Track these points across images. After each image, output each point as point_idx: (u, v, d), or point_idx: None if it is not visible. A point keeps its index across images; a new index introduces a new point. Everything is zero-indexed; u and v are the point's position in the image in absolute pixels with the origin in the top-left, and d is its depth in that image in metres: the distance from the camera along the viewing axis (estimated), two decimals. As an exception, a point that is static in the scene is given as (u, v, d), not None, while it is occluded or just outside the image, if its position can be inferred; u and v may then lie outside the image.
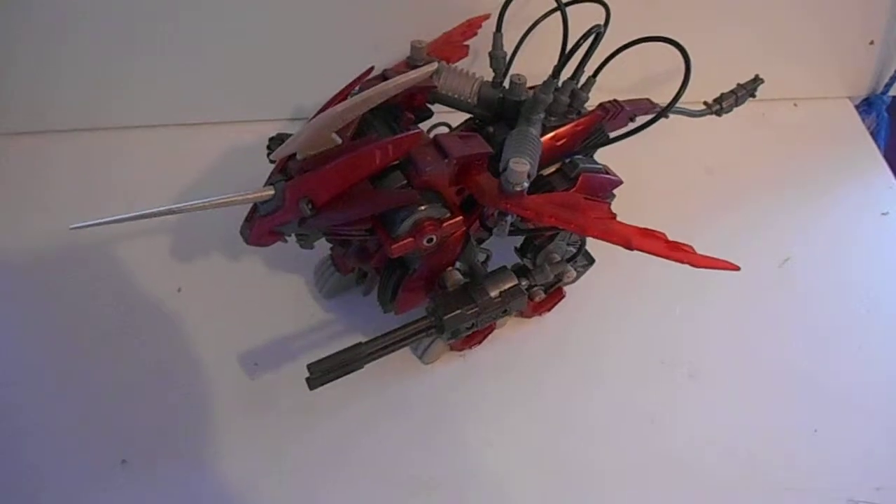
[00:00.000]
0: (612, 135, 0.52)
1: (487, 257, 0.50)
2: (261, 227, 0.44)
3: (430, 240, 0.43)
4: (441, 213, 0.43)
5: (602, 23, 0.48)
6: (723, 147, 0.72)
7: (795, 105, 0.78)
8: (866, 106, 0.77)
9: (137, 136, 0.71)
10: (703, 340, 0.58)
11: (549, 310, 0.57)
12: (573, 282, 0.56)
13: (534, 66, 0.52)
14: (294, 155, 0.43)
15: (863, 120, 0.76)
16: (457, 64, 0.53)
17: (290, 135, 0.50)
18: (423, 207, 0.42)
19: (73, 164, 0.68)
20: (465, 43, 0.57)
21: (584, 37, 0.45)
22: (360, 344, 0.44)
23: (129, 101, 0.70)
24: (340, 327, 0.57)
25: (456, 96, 0.51)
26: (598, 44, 0.46)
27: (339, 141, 0.43)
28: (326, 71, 0.65)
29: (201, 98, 0.71)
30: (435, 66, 0.44)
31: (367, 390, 0.52)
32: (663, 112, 0.48)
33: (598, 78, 0.50)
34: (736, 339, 0.58)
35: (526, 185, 0.42)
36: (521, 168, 0.41)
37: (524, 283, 0.49)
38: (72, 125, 0.70)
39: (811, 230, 0.67)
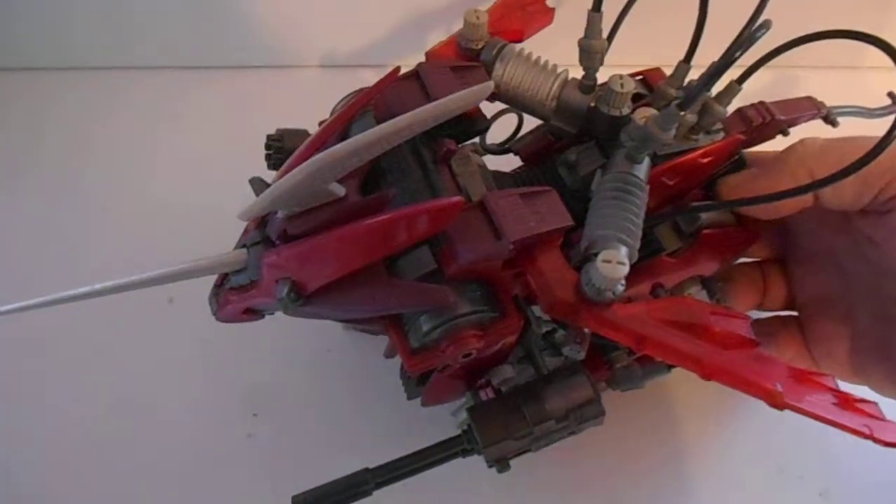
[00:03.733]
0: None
1: (555, 329, 0.36)
2: (231, 303, 0.31)
3: (468, 355, 0.29)
4: (488, 316, 0.29)
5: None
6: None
7: None
8: None
9: (144, 77, 0.58)
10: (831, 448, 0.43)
11: None
12: None
13: (636, 53, 0.35)
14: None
15: None
16: (526, 46, 0.36)
17: (298, 132, 0.36)
18: (461, 311, 0.28)
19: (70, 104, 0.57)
20: (549, 4, 0.39)
21: (745, 36, 0.27)
22: (366, 471, 0.32)
23: (135, 39, 0.57)
24: (358, 370, 0.45)
25: (526, 97, 0.35)
26: (756, 39, 0.29)
27: (342, 193, 0.29)
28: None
29: (213, 39, 0.57)
30: (491, 86, 0.28)
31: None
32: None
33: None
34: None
35: (622, 290, 0.27)
36: (613, 271, 0.26)
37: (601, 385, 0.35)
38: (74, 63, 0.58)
39: None
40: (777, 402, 0.26)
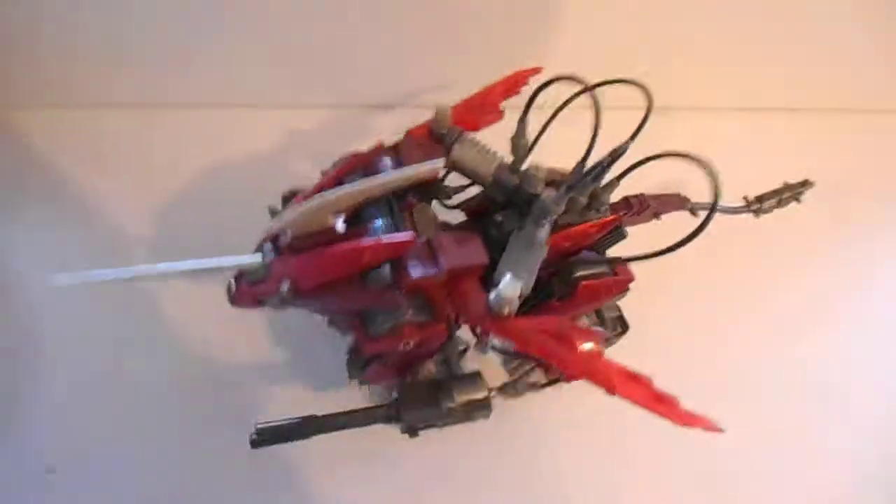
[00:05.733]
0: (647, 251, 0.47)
1: (465, 349, 0.49)
2: (245, 292, 0.44)
3: (408, 344, 0.42)
4: (424, 318, 0.42)
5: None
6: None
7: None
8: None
9: (187, 115, 0.71)
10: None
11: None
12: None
13: (557, 151, 0.49)
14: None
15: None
16: (478, 136, 0.50)
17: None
18: (406, 313, 0.41)
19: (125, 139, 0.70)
20: (501, 107, 0.53)
21: (611, 156, 0.42)
22: (314, 417, 0.44)
23: (182, 77, 0.71)
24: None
25: (473, 172, 0.49)
26: (620, 155, 0.43)
27: (335, 222, 0.42)
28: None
29: (253, 78, 0.72)
30: (441, 163, 0.41)
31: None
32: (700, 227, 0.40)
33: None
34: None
35: (515, 307, 0.40)
36: (511, 292, 0.39)
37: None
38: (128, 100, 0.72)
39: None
40: (613, 391, 0.38)
